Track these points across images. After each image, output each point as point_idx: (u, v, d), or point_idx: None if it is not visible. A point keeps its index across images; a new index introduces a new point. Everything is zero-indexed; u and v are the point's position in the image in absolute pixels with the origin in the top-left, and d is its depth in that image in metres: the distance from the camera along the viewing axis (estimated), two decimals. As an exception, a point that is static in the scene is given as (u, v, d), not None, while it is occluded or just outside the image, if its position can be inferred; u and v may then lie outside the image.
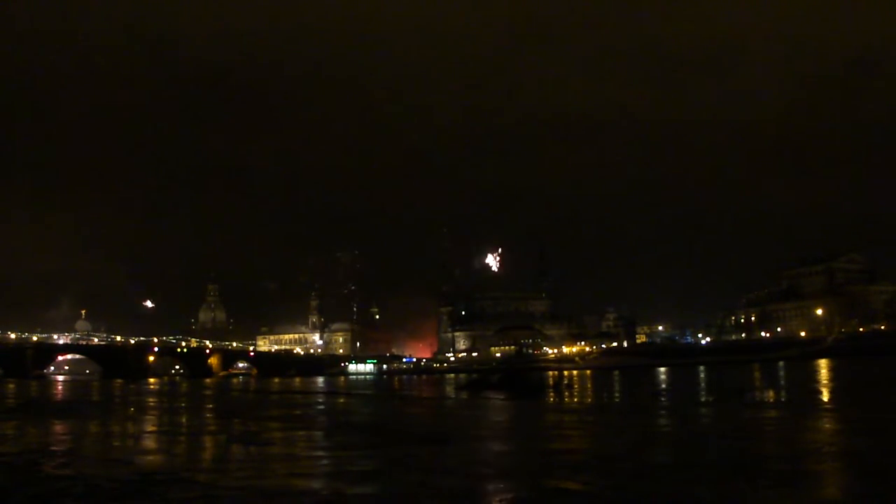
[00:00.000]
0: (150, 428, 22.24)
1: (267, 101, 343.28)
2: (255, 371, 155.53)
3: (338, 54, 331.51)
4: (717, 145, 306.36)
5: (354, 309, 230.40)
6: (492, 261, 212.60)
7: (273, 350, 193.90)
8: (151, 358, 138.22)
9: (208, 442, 18.21)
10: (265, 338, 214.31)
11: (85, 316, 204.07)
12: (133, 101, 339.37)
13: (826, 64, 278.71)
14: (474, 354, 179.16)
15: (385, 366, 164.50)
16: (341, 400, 42.27)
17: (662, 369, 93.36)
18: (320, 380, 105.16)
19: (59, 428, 21.71)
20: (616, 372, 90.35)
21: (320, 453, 14.70)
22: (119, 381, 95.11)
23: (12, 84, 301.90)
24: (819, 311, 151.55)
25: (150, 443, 17.98)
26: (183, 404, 38.42)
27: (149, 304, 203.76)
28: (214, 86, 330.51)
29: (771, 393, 35.82)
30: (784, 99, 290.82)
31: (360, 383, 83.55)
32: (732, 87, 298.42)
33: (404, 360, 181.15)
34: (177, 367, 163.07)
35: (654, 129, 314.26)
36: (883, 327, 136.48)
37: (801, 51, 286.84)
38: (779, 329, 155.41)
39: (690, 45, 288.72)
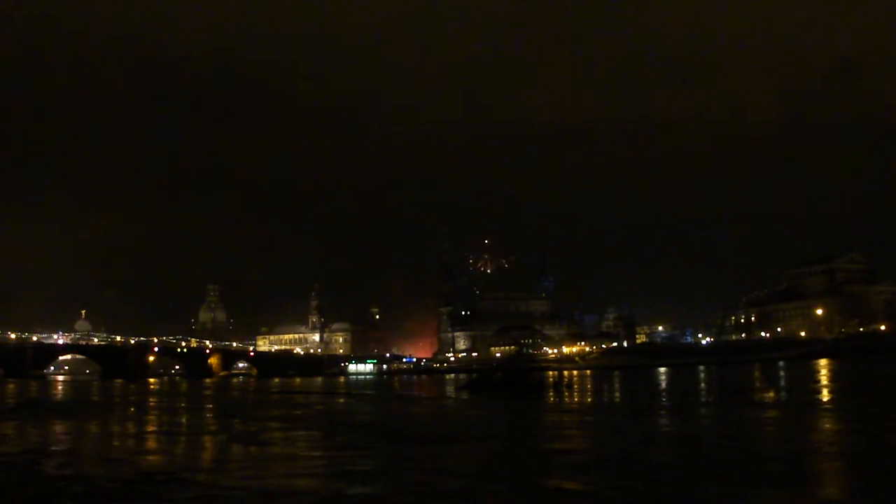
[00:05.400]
0: (150, 428, 22.25)
1: (266, 102, 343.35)
2: (255, 371, 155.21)
3: (338, 56, 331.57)
4: (717, 145, 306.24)
5: (355, 307, 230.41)
6: (491, 260, 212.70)
7: (273, 350, 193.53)
8: (151, 358, 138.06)
9: (208, 442, 18.22)
10: (265, 338, 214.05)
11: (85, 316, 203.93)
12: (134, 102, 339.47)
13: (824, 64, 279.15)
14: (474, 354, 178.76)
15: (385, 366, 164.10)
16: (341, 400, 42.28)
17: (662, 369, 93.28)
18: (320, 380, 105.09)
19: (59, 428, 21.71)
20: (616, 372, 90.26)
21: (320, 453, 14.70)
22: (119, 381, 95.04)
23: (11, 84, 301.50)
24: (819, 311, 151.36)
25: (150, 443, 17.99)
26: (183, 404, 38.42)
27: None
28: (214, 88, 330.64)
29: (771, 393, 35.78)
30: (782, 99, 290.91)
31: (360, 383, 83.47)
32: (730, 89, 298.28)
33: (404, 360, 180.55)
34: (177, 367, 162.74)
35: (654, 130, 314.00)
36: (883, 327, 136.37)
37: (797, 52, 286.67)
38: (779, 329, 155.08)
39: (687, 48, 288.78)
